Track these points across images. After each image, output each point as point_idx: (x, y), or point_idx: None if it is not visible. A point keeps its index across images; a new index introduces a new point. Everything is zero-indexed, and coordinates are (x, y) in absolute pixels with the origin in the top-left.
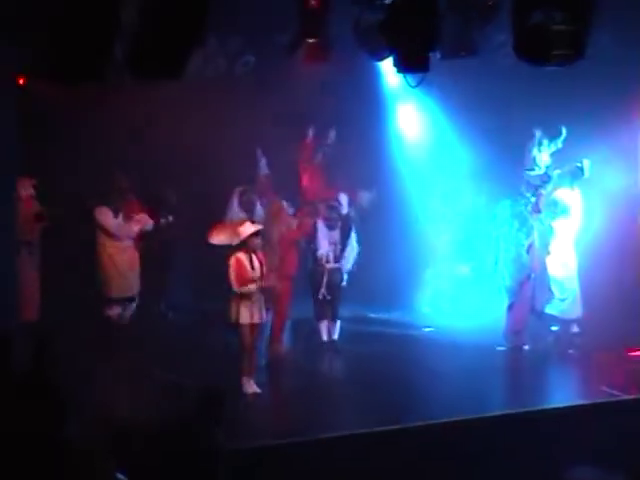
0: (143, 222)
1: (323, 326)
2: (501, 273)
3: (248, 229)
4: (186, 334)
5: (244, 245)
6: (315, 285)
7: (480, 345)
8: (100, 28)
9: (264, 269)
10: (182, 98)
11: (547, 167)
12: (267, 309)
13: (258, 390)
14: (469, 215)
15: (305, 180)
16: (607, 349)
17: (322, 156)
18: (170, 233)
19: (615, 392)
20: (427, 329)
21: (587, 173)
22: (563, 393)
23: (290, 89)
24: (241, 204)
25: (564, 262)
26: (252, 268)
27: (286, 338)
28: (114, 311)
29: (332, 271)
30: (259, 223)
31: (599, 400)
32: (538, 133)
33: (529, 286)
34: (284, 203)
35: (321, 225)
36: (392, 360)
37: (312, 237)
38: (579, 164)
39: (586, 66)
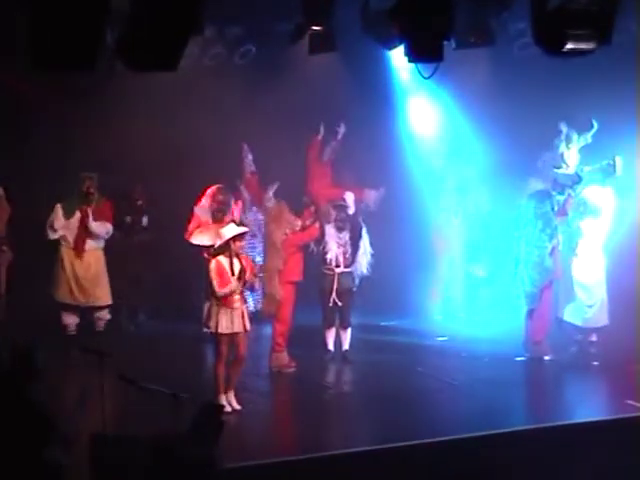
0: (103, 227)
1: (330, 334)
2: (521, 277)
3: (231, 231)
4: (166, 341)
5: (226, 248)
6: (324, 291)
7: (497, 355)
8: (87, 12)
9: (247, 275)
10: (171, 89)
11: (577, 165)
12: (251, 318)
13: (237, 407)
14: (486, 214)
15: (313, 179)
16: (633, 360)
17: (331, 154)
18: (144, 236)
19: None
20: (440, 338)
21: (619, 171)
22: (586, 408)
23: (293, 80)
24: (214, 203)
25: (591, 267)
26: (232, 273)
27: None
28: (69, 319)
29: (342, 276)
30: (244, 225)
31: (624, 415)
32: (565, 128)
33: (551, 292)
34: (284, 203)
35: (329, 226)
36: (403, 372)
37: (320, 239)
38: (611, 161)
39: (613, 55)
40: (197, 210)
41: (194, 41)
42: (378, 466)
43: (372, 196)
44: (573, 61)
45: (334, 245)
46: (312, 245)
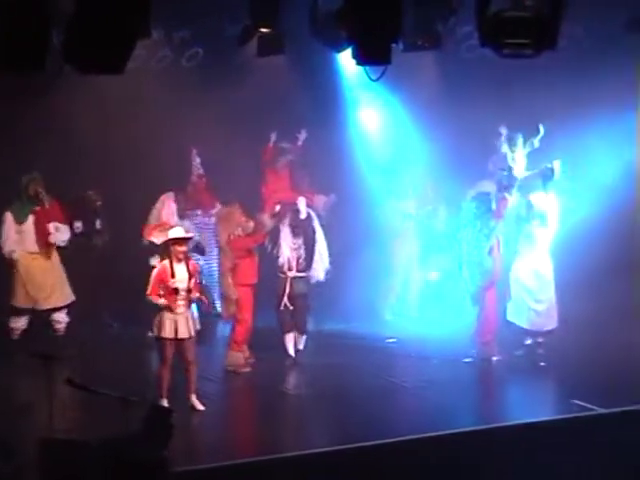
0: (55, 230)
1: (289, 339)
2: (464, 278)
3: (173, 233)
4: (123, 346)
5: (168, 252)
6: (277, 295)
7: (447, 356)
8: (32, 14)
9: (194, 280)
10: (119, 91)
11: (524, 169)
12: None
13: (201, 408)
14: (437, 217)
15: (267, 183)
16: (579, 360)
17: (288, 158)
18: (98, 239)
19: (588, 405)
20: (390, 340)
21: (558, 175)
22: (533, 408)
23: (241, 83)
24: (167, 209)
25: (538, 270)
26: (173, 276)
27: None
28: (18, 323)
29: (295, 280)
30: (192, 230)
31: (571, 415)
32: (504, 131)
33: (494, 293)
34: (236, 206)
35: (283, 231)
36: (354, 374)
37: (274, 243)
38: (549, 164)
39: (559, 59)
40: (156, 212)
41: (141, 44)
42: (331, 467)
43: (321, 201)
44: (520, 64)
45: (287, 249)
46: (268, 248)
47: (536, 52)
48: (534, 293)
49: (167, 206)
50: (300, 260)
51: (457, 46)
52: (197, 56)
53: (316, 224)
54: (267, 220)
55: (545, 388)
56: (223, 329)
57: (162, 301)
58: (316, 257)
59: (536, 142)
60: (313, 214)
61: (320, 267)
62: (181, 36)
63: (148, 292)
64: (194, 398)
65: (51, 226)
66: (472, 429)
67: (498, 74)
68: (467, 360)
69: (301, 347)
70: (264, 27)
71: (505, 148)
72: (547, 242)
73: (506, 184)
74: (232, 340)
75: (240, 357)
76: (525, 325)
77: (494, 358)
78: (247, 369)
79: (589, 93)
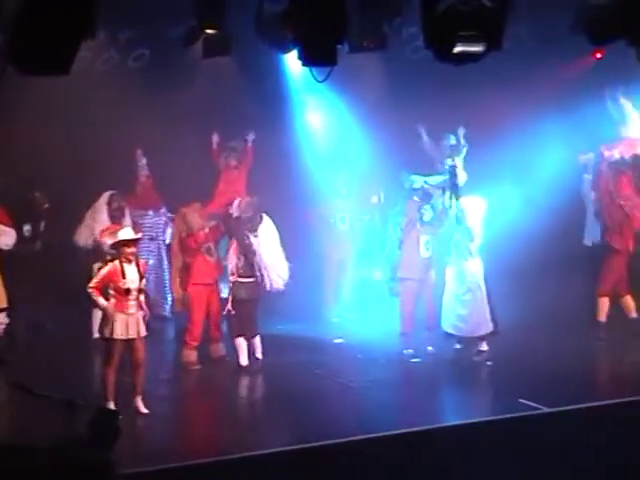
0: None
1: (237, 343)
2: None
3: (122, 235)
4: (63, 349)
5: (118, 253)
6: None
7: (393, 356)
8: None
9: (144, 281)
10: (64, 92)
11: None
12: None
13: (145, 411)
14: (380, 217)
15: (216, 183)
16: (525, 359)
17: (229, 160)
18: (43, 240)
19: (533, 404)
20: (337, 340)
21: (461, 179)
22: (480, 407)
23: (187, 84)
24: (109, 210)
25: (464, 274)
26: (124, 277)
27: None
28: None
29: (236, 285)
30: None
31: (518, 414)
32: (424, 133)
33: (408, 287)
34: (197, 205)
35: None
36: (302, 374)
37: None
38: (447, 166)
39: (504, 60)
40: (96, 214)
41: (86, 45)
42: (281, 468)
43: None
44: (465, 66)
45: (232, 254)
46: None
47: (483, 52)
48: (459, 297)
49: (102, 206)
50: (240, 265)
51: (403, 47)
52: (143, 57)
53: (262, 229)
54: (198, 220)
55: (492, 388)
56: (171, 329)
57: (101, 300)
58: (261, 263)
59: (461, 148)
60: (265, 217)
61: (273, 273)
62: (127, 37)
63: (92, 285)
64: (139, 400)
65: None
66: (418, 429)
67: (443, 75)
68: (415, 360)
69: (259, 355)
70: (209, 28)
71: (440, 148)
72: (474, 245)
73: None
74: (185, 339)
75: (192, 355)
76: (449, 330)
77: (405, 351)
78: (196, 367)
79: (531, 94)
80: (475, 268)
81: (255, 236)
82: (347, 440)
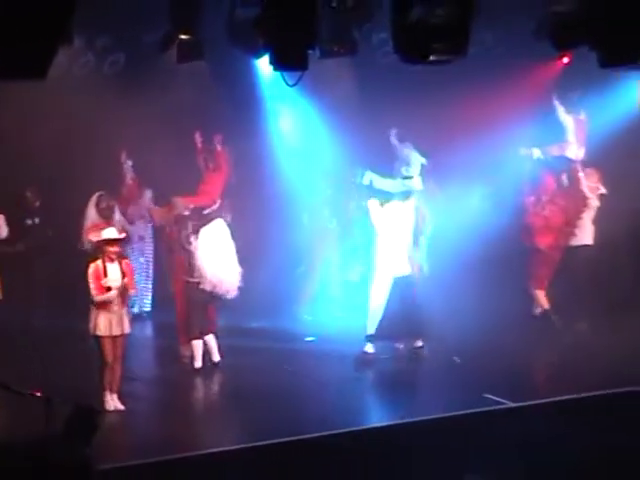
0: None
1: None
2: None
3: (105, 234)
4: (52, 345)
5: (101, 252)
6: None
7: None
8: None
9: (127, 279)
10: (46, 96)
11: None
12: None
13: (121, 407)
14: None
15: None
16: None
17: (208, 162)
18: (36, 237)
19: (499, 400)
20: (309, 339)
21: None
22: (447, 402)
23: (163, 88)
24: (98, 210)
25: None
26: (106, 276)
27: None
28: None
29: (187, 285)
30: (125, 230)
31: (483, 409)
32: (393, 137)
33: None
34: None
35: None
36: (272, 371)
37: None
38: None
39: (470, 66)
40: (87, 214)
41: (63, 51)
42: (249, 463)
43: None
44: (432, 70)
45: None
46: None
47: (448, 59)
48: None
49: (92, 207)
50: (185, 265)
51: (373, 52)
52: (119, 62)
53: (206, 231)
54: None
55: (459, 384)
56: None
57: (104, 297)
58: (201, 266)
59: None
60: (216, 221)
61: (210, 278)
62: (103, 42)
63: (93, 293)
64: (116, 397)
65: None
66: (389, 423)
67: (412, 80)
68: (384, 357)
69: (216, 358)
70: (184, 34)
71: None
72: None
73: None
74: (179, 334)
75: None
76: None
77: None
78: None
79: (497, 99)
80: (405, 271)
81: (195, 239)
82: (318, 435)
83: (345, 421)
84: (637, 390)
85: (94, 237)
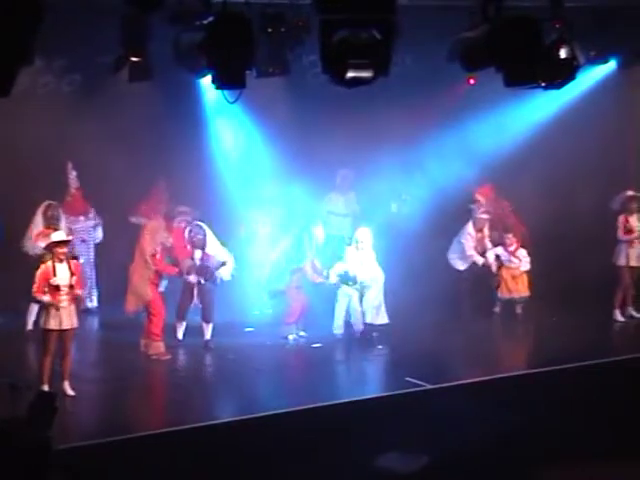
0: None
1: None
2: None
3: (54, 237)
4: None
5: (50, 254)
6: None
7: (298, 342)
8: None
9: (75, 279)
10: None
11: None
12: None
13: (71, 392)
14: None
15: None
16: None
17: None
18: None
19: (419, 382)
20: (248, 329)
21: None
22: (372, 385)
23: (115, 105)
24: (45, 218)
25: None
26: (55, 275)
27: None
28: None
29: None
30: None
31: (404, 390)
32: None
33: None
34: (161, 221)
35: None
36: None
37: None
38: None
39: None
40: (35, 221)
41: (26, 71)
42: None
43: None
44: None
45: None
46: None
47: (373, 77)
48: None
49: (39, 214)
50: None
51: (304, 73)
52: (75, 82)
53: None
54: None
55: (382, 368)
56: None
57: (46, 298)
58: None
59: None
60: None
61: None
62: (61, 64)
63: (34, 290)
64: (67, 384)
65: None
66: (318, 405)
67: (340, 99)
68: (316, 345)
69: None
70: (134, 56)
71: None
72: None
73: None
74: (151, 332)
75: (162, 346)
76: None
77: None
78: (168, 356)
79: (416, 113)
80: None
81: None
82: (258, 416)
83: (276, 404)
84: (546, 370)
85: (43, 241)
